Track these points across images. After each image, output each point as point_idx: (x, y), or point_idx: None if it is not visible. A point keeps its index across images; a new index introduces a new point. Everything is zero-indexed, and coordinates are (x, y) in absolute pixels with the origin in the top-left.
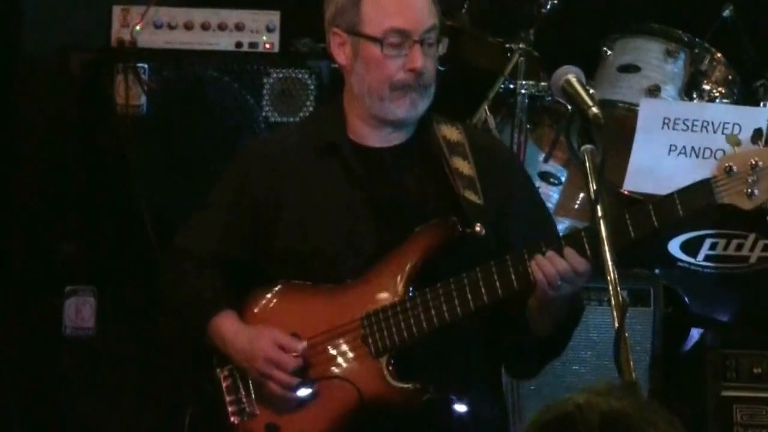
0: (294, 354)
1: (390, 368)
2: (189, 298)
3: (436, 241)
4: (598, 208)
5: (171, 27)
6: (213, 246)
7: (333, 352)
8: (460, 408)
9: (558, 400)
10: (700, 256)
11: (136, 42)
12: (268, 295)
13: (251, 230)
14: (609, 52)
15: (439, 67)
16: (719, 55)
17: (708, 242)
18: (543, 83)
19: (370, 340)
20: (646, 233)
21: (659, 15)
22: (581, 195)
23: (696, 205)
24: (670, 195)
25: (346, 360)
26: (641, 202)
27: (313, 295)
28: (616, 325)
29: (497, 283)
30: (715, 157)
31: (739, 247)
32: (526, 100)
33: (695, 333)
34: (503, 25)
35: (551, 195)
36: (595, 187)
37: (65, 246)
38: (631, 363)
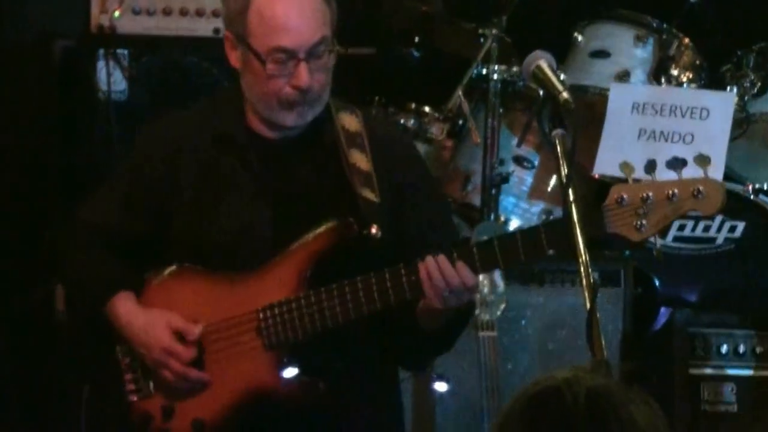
0: (190, 338)
1: (282, 361)
2: (87, 275)
3: (333, 241)
4: (569, 191)
5: (149, 13)
6: (114, 220)
7: (228, 341)
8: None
9: (544, 375)
10: (669, 237)
11: (115, 28)
12: (168, 278)
13: (151, 210)
14: (579, 38)
15: (414, 53)
16: (687, 40)
17: (676, 224)
18: (515, 68)
19: (264, 333)
20: (539, 257)
21: (629, 1)
22: (553, 178)
23: (587, 234)
24: (560, 220)
25: (241, 351)
26: (536, 227)
27: (212, 282)
28: (588, 305)
29: (390, 291)
30: (683, 141)
31: (707, 228)
32: (499, 86)
33: (664, 313)
34: (476, 11)
35: (525, 178)
36: (566, 171)
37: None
38: (603, 342)
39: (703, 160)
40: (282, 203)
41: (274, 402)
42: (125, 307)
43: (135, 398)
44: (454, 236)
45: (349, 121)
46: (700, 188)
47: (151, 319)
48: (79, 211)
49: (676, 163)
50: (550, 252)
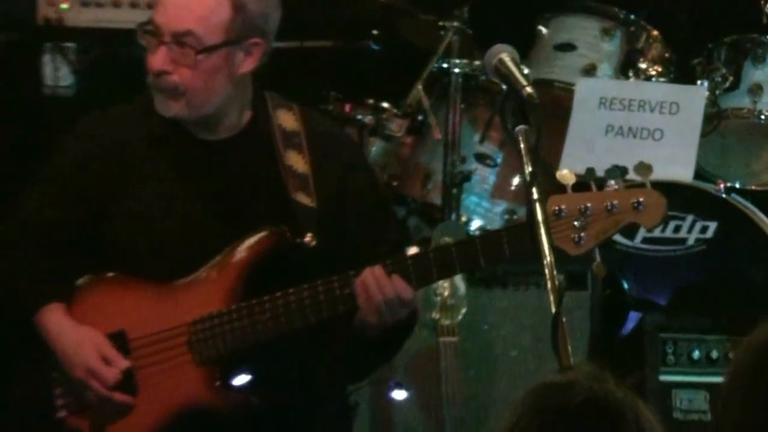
0: (116, 369)
1: (214, 376)
2: (17, 283)
3: (266, 250)
4: (534, 190)
5: (99, 5)
6: (50, 218)
7: (159, 356)
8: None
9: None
10: (638, 238)
11: (62, 20)
12: (98, 287)
13: (85, 213)
14: (544, 31)
15: (373, 46)
16: (656, 32)
17: None
18: (477, 62)
19: (195, 347)
20: (473, 268)
21: None
22: (517, 177)
23: (523, 246)
24: (497, 232)
25: (171, 366)
26: (471, 238)
27: (142, 292)
28: (553, 309)
29: (323, 305)
30: (653, 138)
31: (677, 229)
32: (460, 80)
33: (634, 317)
34: (437, 3)
35: (487, 177)
36: (530, 169)
37: None
38: (569, 347)
39: (644, 169)
40: (215, 208)
41: (207, 419)
42: (54, 320)
43: (64, 413)
44: (395, 245)
45: (286, 119)
46: (641, 199)
47: (80, 338)
48: (12, 210)
49: (616, 172)
50: (482, 263)
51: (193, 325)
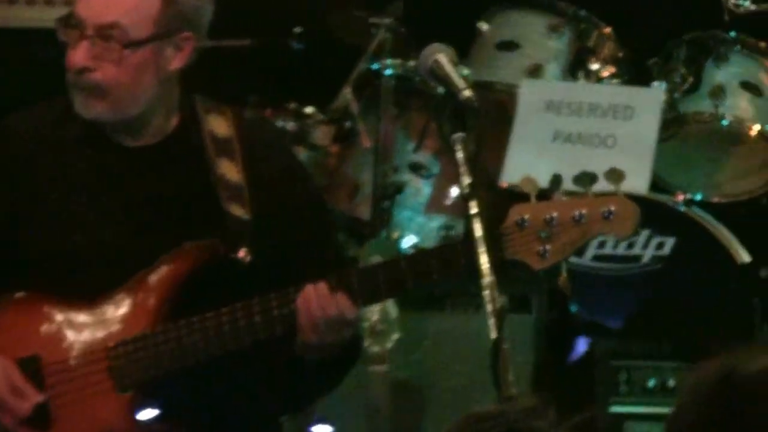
0: (28, 403)
1: (135, 404)
2: None
3: (195, 266)
4: (473, 203)
5: (10, 2)
6: None
7: (76, 383)
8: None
9: (479, 410)
10: (588, 255)
11: None
12: (9, 308)
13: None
14: (485, 28)
15: (296, 45)
16: (608, 29)
17: (596, 240)
18: (412, 63)
19: (116, 373)
20: (426, 285)
21: None
22: (455, 189)
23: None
24: (453, 244)
25: (90, 393)
26: (425, 251)
27: (59, 313)
28: (494, 334)
29: (258, 326)
30: (605, 145)
31: (631, 245)
32: (393, 82)
33: (583, 342)
34: None
35: (422, 189)
36: (468, 180)
37: None
38: (511, 377)
39: (615, 176)
40: (138, 221)
41: None
42: None
43: None
44: (338, 260)
45: (219, 124)
46: (612, 208)
47: None
48: None
49: (585, 179)
50: (436, 278)
51: (114, 348)
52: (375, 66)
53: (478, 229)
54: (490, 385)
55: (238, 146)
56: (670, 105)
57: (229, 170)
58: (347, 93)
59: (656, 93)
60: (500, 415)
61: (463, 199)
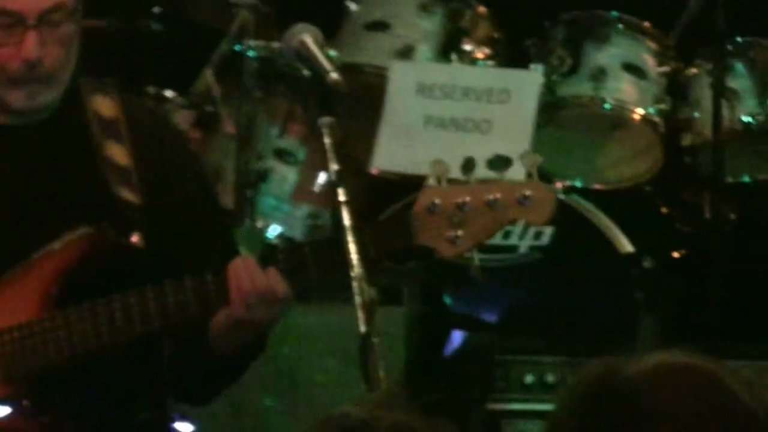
0: None
1: (22, 395)
2: None
3: (84, 252)
4: (340, 191)
5: None
6: None
7: None
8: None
9: (335, 412)
10: None
11: None
12: None
13: None
14: (353, 7)
15: (154, 26)
16: (482, 9)
17: None
18: (276, 44)
19: (1, 362)
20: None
21: None
22: (322, 176)
23: (390, 245)
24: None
25: None
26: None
27: None
28: (363, 327)
29: (153, 314)
30: (479, 130)
31: (507, 235)
32: (256, 65)
33: (457, 336)
34: None
35: (288, 176)
36: (336, 167)
37: None
38: (382, 372)
39: (530, 158)
40: (22, 204)
41: None
42: None
43: None
44: (231, 244)
45: (104, 105)
46: (527, 193)
47: None
48: None
49: (499, 162)
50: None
51: None
52: (237, 48)
53: (346, 218)
54: (359, 381)
55: (125, 128)
56: (548, 88)
57: (117, 153)
58: (208, 76)
59: (533, 76)
60: (376, 419)
61: (331, 187)
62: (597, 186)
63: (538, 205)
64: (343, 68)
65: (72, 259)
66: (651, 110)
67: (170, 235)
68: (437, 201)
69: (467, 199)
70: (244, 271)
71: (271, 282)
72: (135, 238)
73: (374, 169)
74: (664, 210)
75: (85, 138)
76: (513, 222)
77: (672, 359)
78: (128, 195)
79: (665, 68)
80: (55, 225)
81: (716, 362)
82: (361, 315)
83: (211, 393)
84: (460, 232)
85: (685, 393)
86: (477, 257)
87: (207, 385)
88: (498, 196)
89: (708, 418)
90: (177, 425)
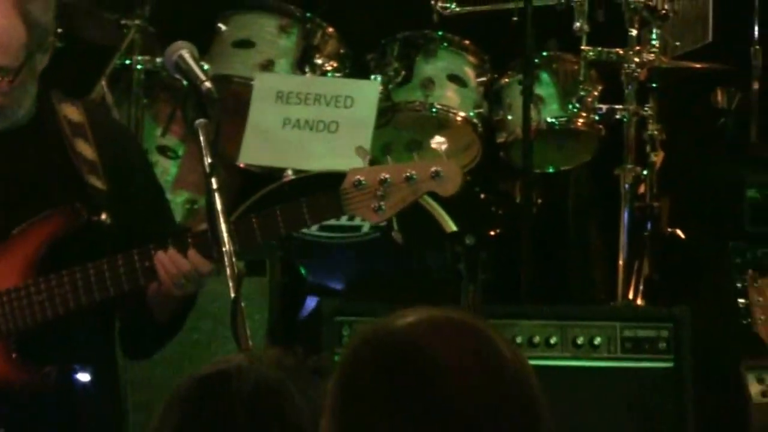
0: None
1: (13, 350)
2: None
3: (62, 227)
4: (213, 180)
5: None
6: None
7: None
8: (83, 377)
9: (224, 357)
10: (315, 226)
11: None
12: None
13: None
14: (224, 28)
15: (57, 44)
16: (331, 29)
17: None
18: (159, 59)
19: None
20: (274, 237)
21: None
22: (199, 168)
23: (324, 215)
24: (298, 203)
25: None
26: (270, 207)
27: None
28: (233, 294)
29: (123, 278)
30: (328, 130)
31: (352, 216)
32: (143, 76)
33: (311, 302)
34: (118, 2)
35: (169, 169)
36: (209, 161)
37: None
38: (248, 332)
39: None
40: (7, 192)
41: (5, 392)
42: None
43: None
44: (173, 222)
45: (71, 111)
46: (438, 169)
47: None
48: None
49: (413, 145)
50: (282, 231)
51: None
52: (127, 62)
53: (218, 202)
54: (229, 339)
55: (89, 130)
56: (386, 95)
57: (85, 149)
58: (102, 85)
59: (373, 85)
60: (249, 367)
61: (205, 177)
62: None
63: (448, 178)
64: (215, 79)
65: (51, 232)
66: (471, 113)
67: (131, 213)
68: (362, 178)
69: (388, 175)
70: (167, 260)
71: (194, 264)
72: (103, 216)
73: (241, 163)
74: (482, 196)
75: (58, 137)
76: (427, 192)
77: (438, 315)
78: (96, 182)
79: (483, 78)
80: (36, 207)
81: (482, 319)
82: (231, 284)
83: (156, 347)
84: (383, 203)
85: (467, 348)
86: (395, 224)
87: (153, 340)
88: (414, 172)
89: (484, 374)
90: (78, 376)
